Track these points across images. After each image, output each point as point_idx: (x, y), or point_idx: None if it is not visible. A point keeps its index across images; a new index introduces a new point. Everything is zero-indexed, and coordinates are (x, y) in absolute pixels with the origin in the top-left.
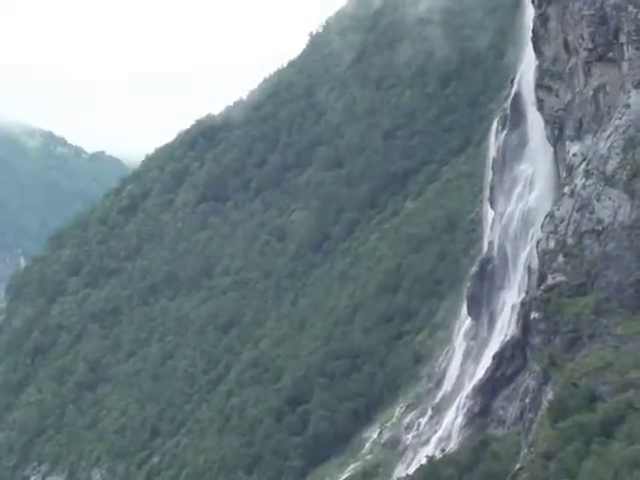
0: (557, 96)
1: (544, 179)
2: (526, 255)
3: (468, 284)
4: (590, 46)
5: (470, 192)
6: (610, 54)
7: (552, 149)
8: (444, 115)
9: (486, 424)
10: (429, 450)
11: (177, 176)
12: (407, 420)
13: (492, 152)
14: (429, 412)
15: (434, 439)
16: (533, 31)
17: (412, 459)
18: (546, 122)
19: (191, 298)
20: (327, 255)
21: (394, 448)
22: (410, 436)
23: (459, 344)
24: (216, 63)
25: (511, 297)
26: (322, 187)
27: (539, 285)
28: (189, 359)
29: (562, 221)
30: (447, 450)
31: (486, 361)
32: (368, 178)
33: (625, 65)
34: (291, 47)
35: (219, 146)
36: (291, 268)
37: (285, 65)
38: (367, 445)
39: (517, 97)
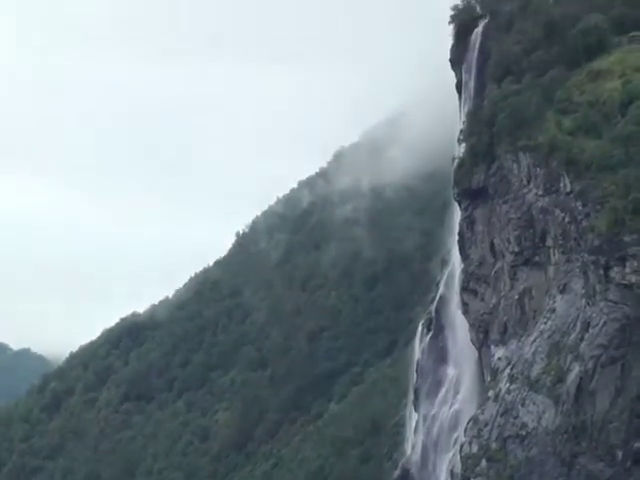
0: (482, 300)
1: (468, 382)
2: (449, 459)
3: None
4: (516, 249)
5: (395, 395)
6: (536, 258)
7: (477, 353)
8: (370, 317)
9: None
10: None
11: (101, 374)
12: None
13: (417, 355)
14: None
15: None
16: (459, 234)
17: None
18: (471, 326)
19: None
20: (250, 456)
21: None
22: None
23: None
24: (140, 262)
25: None
26: (246, 387)
27: None
28: None
29: (486, 425)
30: None
31: None
32: (292, 379)
33: (551, 269)
34: (217, 246)
35: (143, 345)
36: (213, 469)
37: (211, 264)
38: None
39: (442, 300)
